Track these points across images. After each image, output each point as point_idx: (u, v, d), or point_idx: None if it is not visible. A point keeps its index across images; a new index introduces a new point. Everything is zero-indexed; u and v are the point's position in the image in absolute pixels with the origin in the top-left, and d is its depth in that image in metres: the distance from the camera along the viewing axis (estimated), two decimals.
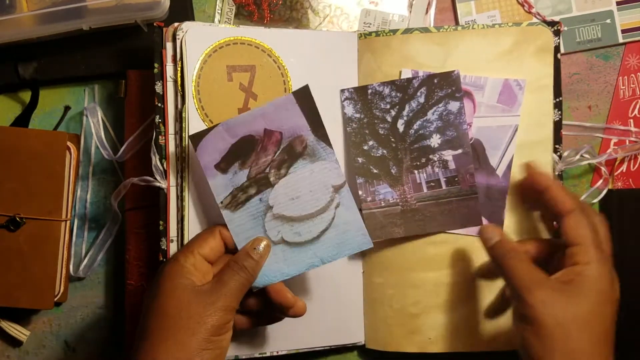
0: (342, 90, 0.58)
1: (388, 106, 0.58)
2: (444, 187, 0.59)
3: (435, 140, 0.59)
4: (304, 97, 0.52)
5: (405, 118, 0.59)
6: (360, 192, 0.59)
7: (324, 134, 0.53)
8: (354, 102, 0.58)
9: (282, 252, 0.54)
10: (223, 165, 0.53)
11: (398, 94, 0.58)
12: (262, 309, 0.55)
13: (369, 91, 0.58)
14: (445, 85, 0.58)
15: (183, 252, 0.52)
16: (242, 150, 0.53)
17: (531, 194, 0.57)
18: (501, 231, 0.55)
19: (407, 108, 0.58)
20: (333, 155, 0.54)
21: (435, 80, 0.58)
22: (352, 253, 0.55)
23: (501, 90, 0.59)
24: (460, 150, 0.58)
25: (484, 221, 0.59)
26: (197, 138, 0.53)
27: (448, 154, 0.59)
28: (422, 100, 0.58)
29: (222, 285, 0.51)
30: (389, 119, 0.59)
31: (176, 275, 0.51)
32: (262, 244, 0.53)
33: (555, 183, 0.55)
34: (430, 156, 0.59)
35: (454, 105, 0.58)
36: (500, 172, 0.59)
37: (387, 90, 0.58)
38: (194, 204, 0.57)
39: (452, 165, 0.59)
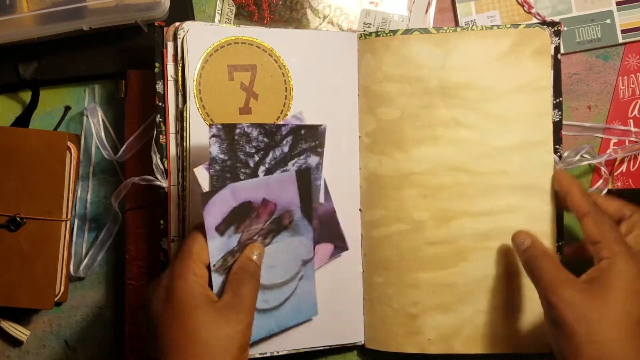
0: (211, 126, 0.51)
1: (253, 150, 0.54)
2: None
3: None
4: (303, 178, 0.55)
5: (267, 165, 0.55)
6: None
7: (309, 213, 0.56)
8: (220, 141, 0.52)
9: None
10: (222, 228, 0.52)
11: (265, 139, 0.54)
12: None
13: (237, 131, 0.53)
14: (310, 138, 0.56)
15: (188, 264, 0.50)
16: (239, 215, 0.53)
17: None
18: (533, 236, 0.56)
19: (270, 155, 0.55)
20: (310, 233, 0.57)
21: (302, 132, 0.55)
22: (303, 320, 0.59)
23: None
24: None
25: (328, 246, 0.61)
26: (207, 196, 0.51)
27: None
28: (286, 149, 0.55)
29: (242, 300, 0.49)
30: (252, 164, 0.54)
31: (190, 292, 0.48)
32: (259, 250, 0.54)
33: (574, 188, 0.56)
34: None
35: (313, 160, 0.56)
36: (322, 199, 0.60)
37: (255, 133, 0.53)
38: (195, 203, 0.57)
39: None
